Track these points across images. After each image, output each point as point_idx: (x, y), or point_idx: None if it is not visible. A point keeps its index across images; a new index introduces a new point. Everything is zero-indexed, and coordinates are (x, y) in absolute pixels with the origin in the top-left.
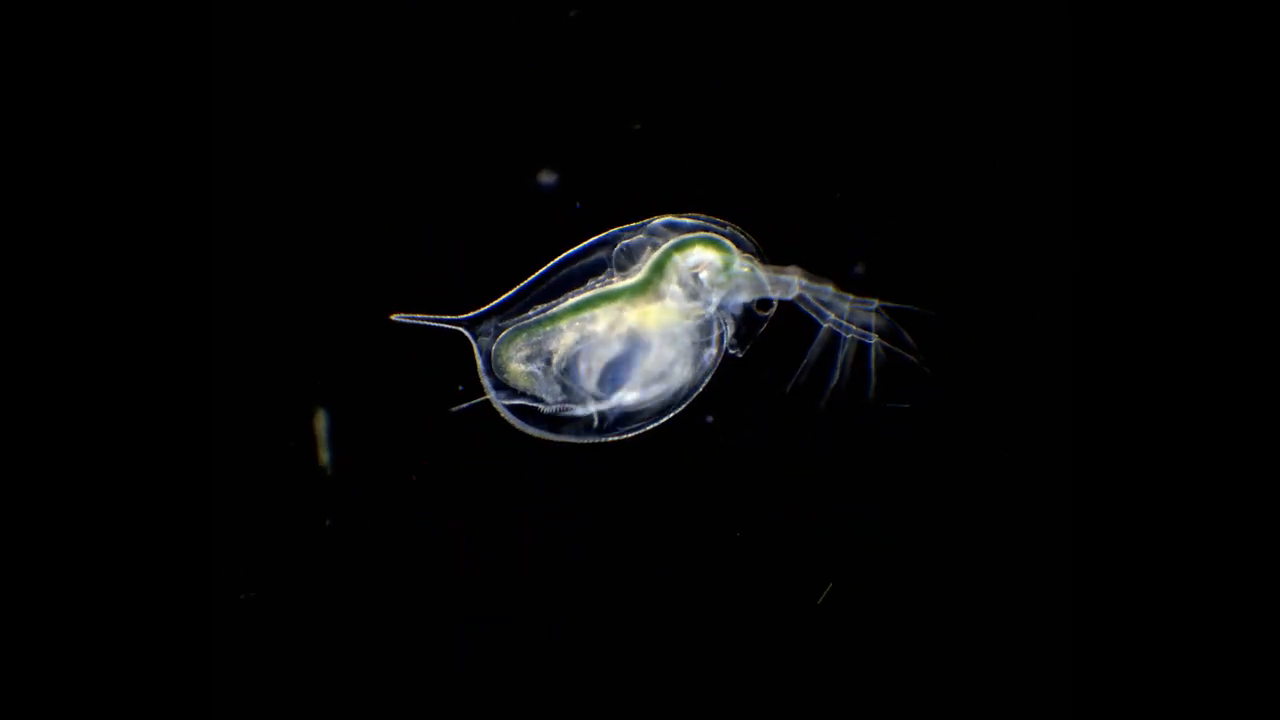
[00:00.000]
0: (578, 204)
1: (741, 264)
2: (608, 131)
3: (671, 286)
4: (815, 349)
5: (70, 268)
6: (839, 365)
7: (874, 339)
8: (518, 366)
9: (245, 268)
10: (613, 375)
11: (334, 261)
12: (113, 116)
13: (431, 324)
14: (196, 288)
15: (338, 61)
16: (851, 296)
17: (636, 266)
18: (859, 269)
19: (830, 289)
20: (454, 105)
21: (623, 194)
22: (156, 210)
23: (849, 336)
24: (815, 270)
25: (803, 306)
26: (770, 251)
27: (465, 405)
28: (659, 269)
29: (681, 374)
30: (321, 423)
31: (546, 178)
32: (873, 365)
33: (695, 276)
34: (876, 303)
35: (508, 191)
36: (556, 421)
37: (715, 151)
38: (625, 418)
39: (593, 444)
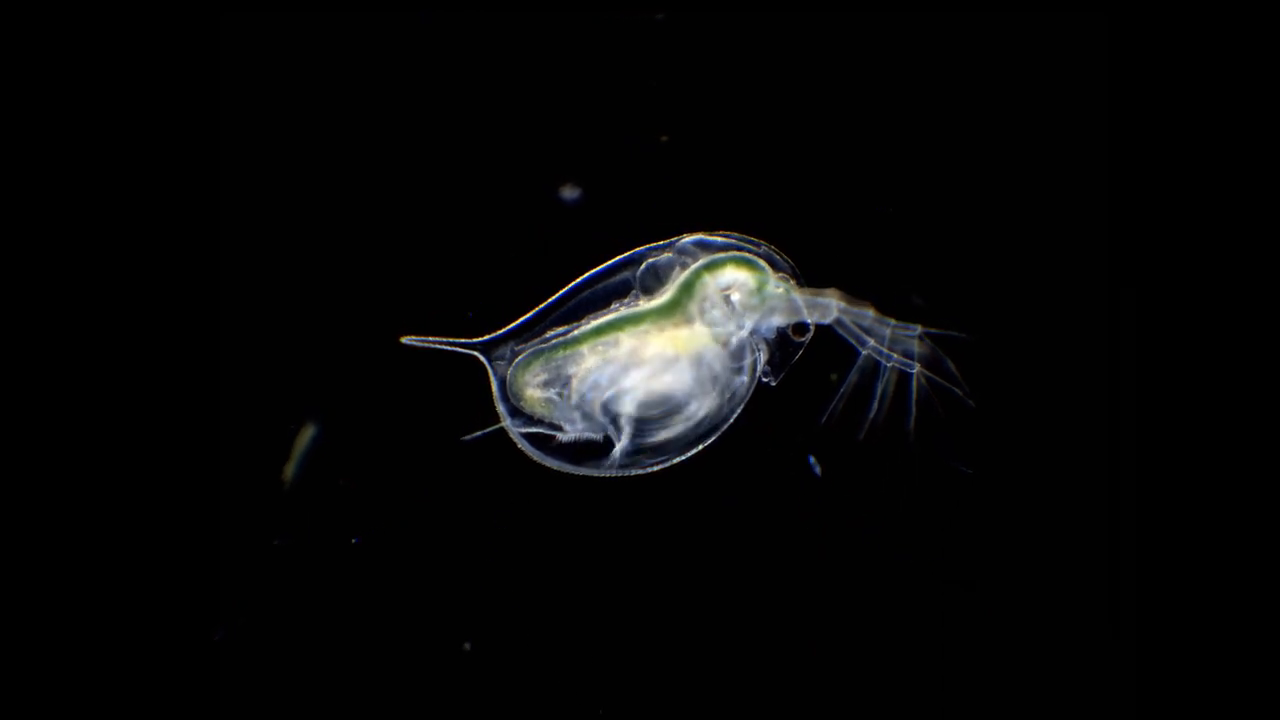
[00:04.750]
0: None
1: (776, 285)
2: (634, 144)
3: (701, 309)
4: (853, 377)
5: (76, 282)
6: (879, 395)
7: (916, 368)
8: (534, 392)
9: (254, 285)
10: (635, 404)
11: (347, 279)
12: (121, 133)
13: (445, 347)
14: (204, 304)
15: (355, 74)
16: (893, 321)
17: (664, 287)
18: (917, 299)
19: (870, 313)
20: (473, 119)
21: (649, 210)
22: (166, 224)
23: (890, 365)
24: (854, 293)
25: (840, 331)
26: (806, 272)
27: (479, 433)
28: (688, 290)
29: (711, 403)
30: (304, 438)
31: (570, 192)
32: (914, 395)
33: (727, 298)
34: (919, 329)
35: (528, 207)
36: (575, 452)
37: (747, 166)
38: (649, 450)
39: (614, 477)
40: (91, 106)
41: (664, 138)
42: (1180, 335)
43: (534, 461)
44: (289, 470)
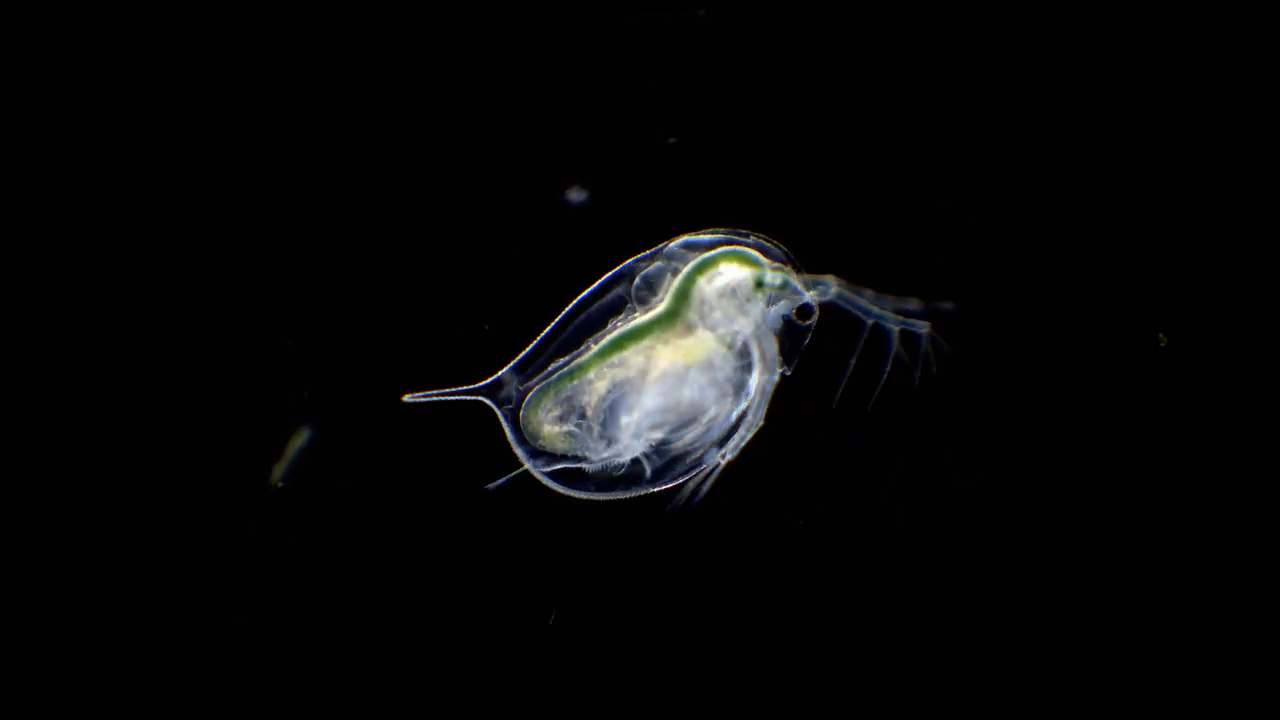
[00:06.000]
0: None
1: (773, 276)
2: (638, 145)
3: (701, 314)
4: (859, 350)
5: (75, 283)
6: (889, 359)
7: (926, 327)
8: (551, 429)
9: (255, 288)
10: (655, 420)
11: (349, 282)
12: (120, 134)
13: (448, 398)
14: (204, 306)
15: (355, 75)
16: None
17: (659, 297)
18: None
19: (870, 294)
20: (475, 120)
21: (653, 211)
22: (166, 225)
23: (896, 330)
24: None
25: (843, 305)
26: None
27: (503, 480)
28: (684, 297)
29: (728, 406)
30: (297, 441)
31: (576, 195)
32: (926, 350)
33: (725, 297)
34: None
35: (532, 209)
36: (603, 480)
37: (752, 167)
38: (676, 460)
39: (645, 496)
40: (91, 107)
41: (671, 139)
42: (1206, 336)
43: (561, 497)
44: (278, 471)
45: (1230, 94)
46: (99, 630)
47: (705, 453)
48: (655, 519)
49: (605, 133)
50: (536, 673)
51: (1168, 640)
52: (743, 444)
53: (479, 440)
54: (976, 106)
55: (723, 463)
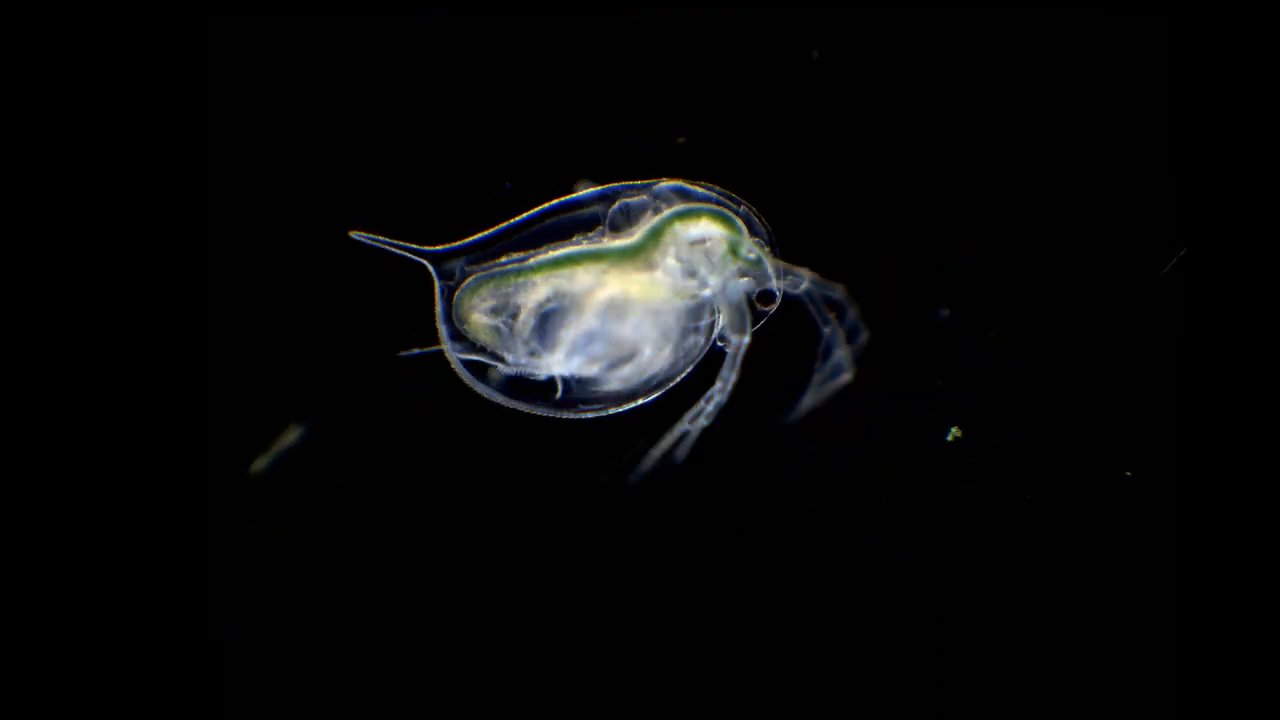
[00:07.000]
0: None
1: (750, 248)
2: (649, 144)
3: (666, 258)
4: (819, 366)
5: (67, 282)
6: (832, 368)
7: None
8: (480, 318)
9: (253, 289)
10: (582, 345)
11: (348, 283)
12: (114, 134)
13: (394, 248)
14: (198, 306)
15: (354, 75)
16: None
17: (633, 229)
18: (944, 312)
19: (840, 289)
20: (475, 120)
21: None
22: (159, 224)
23: (841, 353)
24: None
25: (808, 305)
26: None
27: (418, 351)
28: (655, 237)
29: (659, 358)
30: (287, 438)
31: (583, 190)
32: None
33: (696, 248)
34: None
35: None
36: (513, 385)
37: (755, 165)
38: (588, 395)
39: (551, 416)
40: (82, 108)
41: (680, 139)
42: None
43: (475, 392)
44: (261, 462)
45: (1243, 98)
46: (96, 631)
47: (621, 403)
48: (655, 520)
49: (615, 131)
50: (535, 673)
51: (1159, 639)
52: (706, 412)
53: (477, 440)
54: (977, 107)
55: (693, 430)
